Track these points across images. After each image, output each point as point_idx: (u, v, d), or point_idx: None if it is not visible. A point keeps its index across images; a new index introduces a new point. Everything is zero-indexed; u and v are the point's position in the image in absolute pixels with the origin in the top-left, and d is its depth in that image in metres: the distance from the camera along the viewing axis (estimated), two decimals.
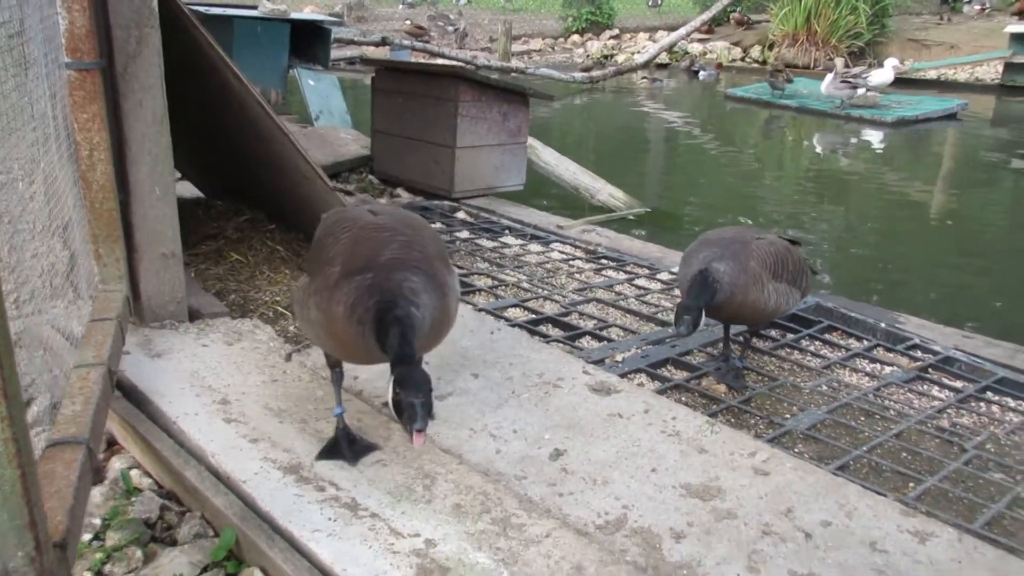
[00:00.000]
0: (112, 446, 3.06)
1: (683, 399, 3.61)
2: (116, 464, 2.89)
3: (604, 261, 5.65)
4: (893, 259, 7.77)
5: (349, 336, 2.38)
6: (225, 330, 3.63)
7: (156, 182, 3.40)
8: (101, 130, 3.10)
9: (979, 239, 8.73)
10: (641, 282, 5.24)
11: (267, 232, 4.93)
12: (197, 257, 4.57)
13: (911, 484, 3.05)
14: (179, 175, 6.55)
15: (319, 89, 10.14)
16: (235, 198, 5.36)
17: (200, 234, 4.81)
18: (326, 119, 9.94)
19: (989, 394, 3.94)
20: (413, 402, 2.09)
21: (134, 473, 2.83)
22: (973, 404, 3.83)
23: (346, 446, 2.73)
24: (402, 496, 2.51)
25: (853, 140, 14.90)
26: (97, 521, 2.52)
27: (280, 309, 4.09)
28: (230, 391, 3.08)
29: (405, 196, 7.25)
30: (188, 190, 6.01)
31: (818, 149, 14.32)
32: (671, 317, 4.55)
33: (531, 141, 7.95)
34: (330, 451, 2.72)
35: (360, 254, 2.46)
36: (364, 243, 2.50)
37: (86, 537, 2.46)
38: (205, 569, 2.36)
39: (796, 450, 3.23)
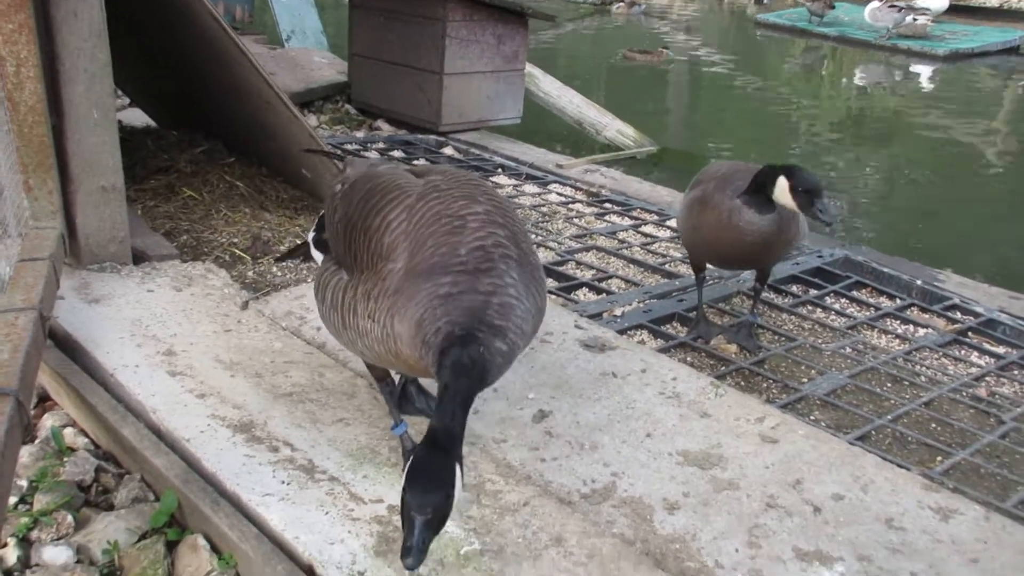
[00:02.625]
0: (44, 401, 3.07)
1: (688, 359, 3.63)
2: (48, 422, 2.91)
3: (607, 205, 5.64)
4: (938, 211, 7.76)
5: (414, 358, 2.10)
6: (174, 274, 3.63)
7: (94, 104, 3.37)
8: (29, 43, 3.06)
9: None
10: (648, 229, 5.23)
11: (225, 166, 4.91)
12: (145, 193, 4.56)
13: (939, 457, 3.08)
14: (127, 101, 6.53)
15: (291, 6, 10.03)
16: (191, 128, 5.32)
17: (149, 167, 4.79)
18: (299, 40, 9.84)
19: None
20: (414, 519, 1.75)
21: (68, 432, 2.85)
22: (1016, 372, 3.85)
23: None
24: (365, 458, 2.53)
25: (899, 75, 14.78)
26: (24, 483, 2.54)
27: (238, 252, 4.09)
28: (176, 341, 3.09)
29: (386, 129, 7.21)
30: (138, 118, 5.98)
31: (859, 84, 14.20)
32: (680, 268, 4.55)
33: (530, 68, 7.88)
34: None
35: (430, 242, 2.10)
36: (430, 223, 2.13)
37: (12, 500, 2.48)
38: (143, 536, 2.39)
39: (812, 417, 3.25)
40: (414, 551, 1.73)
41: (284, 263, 3.03)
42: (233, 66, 4.08)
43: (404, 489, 1.77)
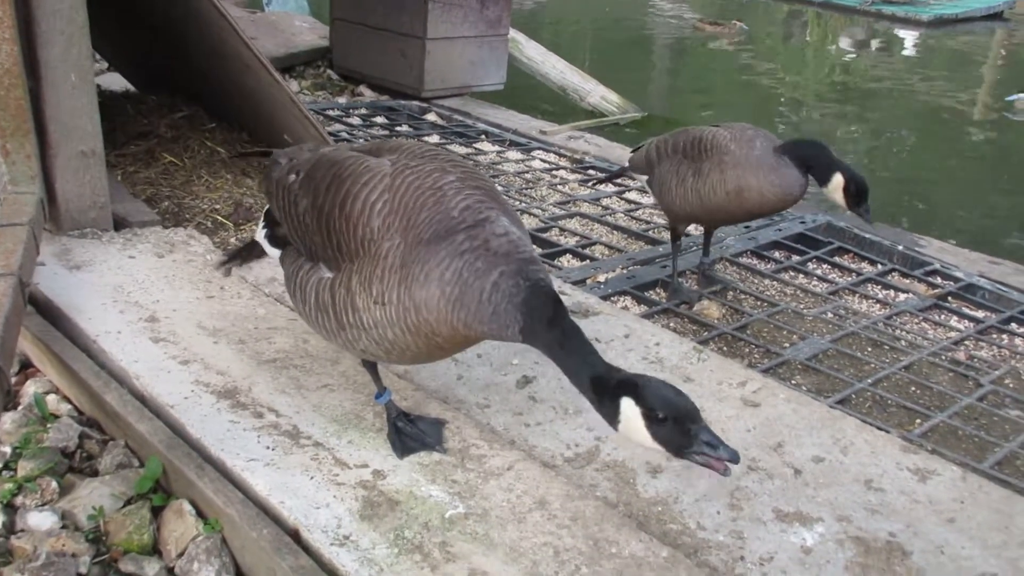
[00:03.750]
0: (26, 368, 3.06)
1: (671, 324, 3.65)
2: (31, 388, 2.90)
3: (592, 172, 5.63)
4: (921, 177, 7.79)
5: (445, 328, 2.02)
6: (156, 240, 3.61)
7: (72, 67, 3.32)
8: (4, 3, 3.01)
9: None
10: (632, 196, 5.23)
11: (206, 131, 4.86)
12: (125, 158, 4.51)
13: (918, 420, 3.12)
14: (106, 65, 6.44)
15: None
16: (172, 93, 5.26)
17: (129, 132, 4.73)
18: (279, 4, 9.73)
19: (1013, 325, 4.01)
20: (693, 428, 1.85)
21: (51, 398, 2.85)
22: (994, 336, 3.90)
23: (395, 435, 2.48)
24: (350, 424, 2.54)
25: (883, 40, 14.75)
26: (7, 449, 2.54)
27: (220, 218, 4.06)
28: (159, 308, 3.08)
29: (368, 94, 7.16)
30: (118, 83, 5.90)
31: (843, 50, 14.18)
32: (663, 235, 4.56)
33: (514, 34, 7.82)
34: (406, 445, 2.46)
35: (423, 215, 2.05)
36: (416, 197, 2.07)
37: None
38: (129, 501, 2.39)
39: (793, 381, 3.28)
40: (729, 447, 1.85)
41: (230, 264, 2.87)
42: (212, 29, 4.03)
43: (650, 411, 1.85)
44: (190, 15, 4.06)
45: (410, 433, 2.47)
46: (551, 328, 1.96)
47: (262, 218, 2.58)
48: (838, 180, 3.38)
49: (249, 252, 2.79)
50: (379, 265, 2.06)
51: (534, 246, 2.15)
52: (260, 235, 2.58)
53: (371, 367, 2.52)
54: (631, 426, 1.90)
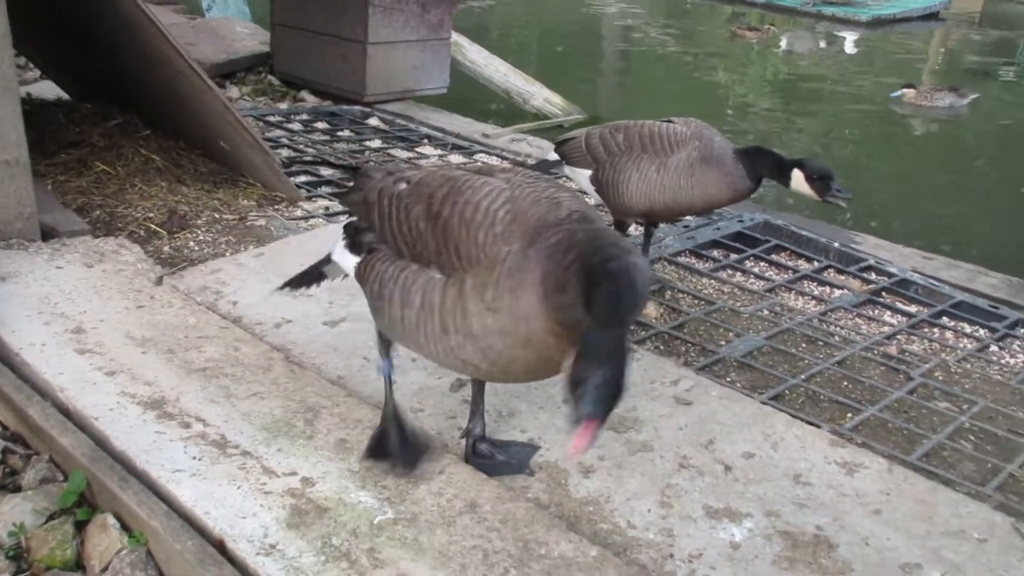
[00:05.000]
0: None
1: None
2: None
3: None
4: (862, 175, 7.92)
5: (550, 330, 1.90)
6: (85, 250, 3.55)
7: None
8: None
9: (960, 155, 8.92)
10: None
11: (141, 139, 4.80)
12: (56, 167, 4.43)
13: (849, 414, 3.16)
14: (38, 73, 6.32)
15: None
16: (106, 101, 5.18)
17: (60, 141, 4.65)
18: (220, 10, 9.62)
19: (944, 319, 4.09)
20: (587, 378, 1.71)
21: None
22: (926, 330, 3.97)
23: (397, 442, 2.41)
24: (279, 432, 2.51)
25: (824, 41, 14.99)
26: None
27: (153, 227, 4.00)
28: (86, 319, 3.03)
29: (310, 100, 7.10)
30: (49, 91, 5.80)
31: (785, 50, 14.39)
32: None
33: (456, 37, 7.82)
34: (377, 450, 2.43)
35: (533, 220, 1.99)
36: (533, 205, 2.02)
37: None
38: (52, 517, 2.35)
39: (728, 379, 3.31)
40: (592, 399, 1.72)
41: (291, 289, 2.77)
42: (143, 35, 3.97)
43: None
44: (120, 22, 4.00)
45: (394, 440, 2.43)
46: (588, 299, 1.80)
47: (342, 234, 2.46)
48: (798, 175, 3.45)
49: (315, 277, 2.67)
50: (495, 269, 1.97)
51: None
52: (339, 248, 2.46)
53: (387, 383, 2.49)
54: None
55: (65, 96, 5.66)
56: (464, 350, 2.06)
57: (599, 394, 1.71)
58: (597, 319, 1.75)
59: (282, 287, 2.69)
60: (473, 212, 2.05)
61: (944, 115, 10.00)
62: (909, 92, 10.25)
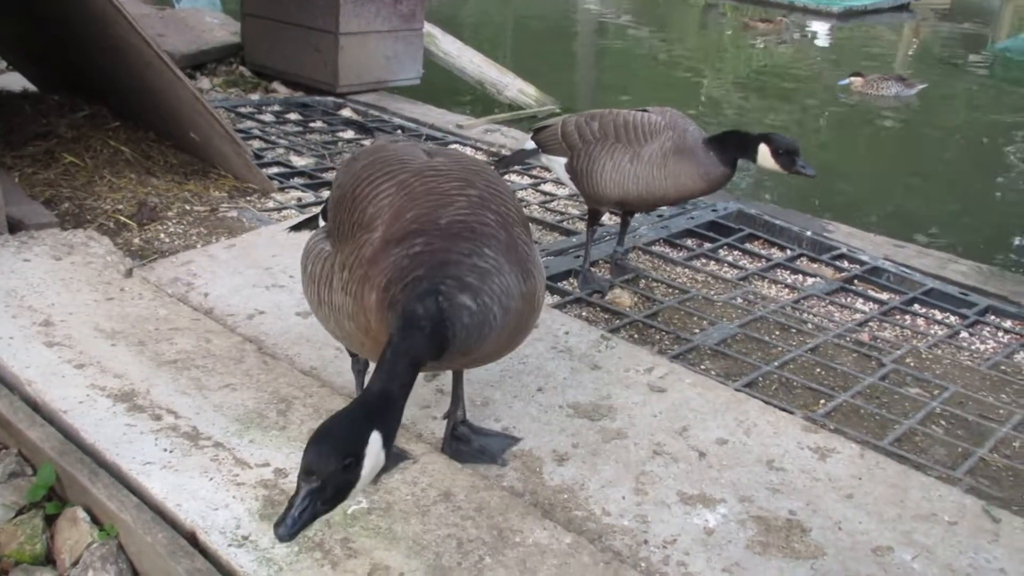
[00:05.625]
0: None
1: (583, 314, 3.67)
2: None
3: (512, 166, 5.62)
4: (835, 164, 7.97)
5: (384, 334, 1.89)
6: (53, 243, 3.50)
7: None
8: None
9: (931, 145, 9.00)
10: (547, 188, 5.25)
11: (109, 130, 4.74)
12: (23, 159, 4.37)
13: (822, 400, 3.18)
14: (6, 65, 6.23)
15: None
16: (74, 92, 5.11)
17: (27, 133, 4.59)
18: (189, 1, 9.52)
19: (916, 306, 4.12)
20: (299, 485, 1.59)
21: None
22: (897, 317, 4.00)
23: None
24: (252, 423, 2.50)
25: (797, 32, 15.06)
26: None
27: (123, 219, 3.96)
28: (54, 312, 2.99)
29: (282, 91, 7.05)
30: (16, 82, 5.71)
31: (758, 42, 14.45)
32: (577, 226, 4.58)
33: (429, 28, 7.79)
34: None
35: (410, 213, 1.99)
36: (417, 197, 2.02)
37: None
38: (21, 511, 2.32)
39: (702, 367, 3.32)
40: (287, 520, 1.54)
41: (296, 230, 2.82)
42: (111, 26, 3.92)
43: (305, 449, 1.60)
44: (88, 14, 3.95)
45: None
46: (400, 343, 1.78)
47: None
48: (763, 150, 3.46)
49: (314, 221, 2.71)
50: (354, 254, 2.00)
51: (512, 280, 1.97)
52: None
53: (355, 372, 2.49)
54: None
55: (32, 87, 5.58)
56: (329, 322, 2.16)
57: (300, 507, 1.58)
58: (379, 370, 1.75)
59: (291, 228, 2.88)
60: (363, 189, 2.09)
61: (892, 103, 10.12)
62: (856, 80, 10.34)
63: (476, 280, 1.88)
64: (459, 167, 2.16)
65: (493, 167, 5.23)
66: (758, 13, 15.98)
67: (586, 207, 3.91)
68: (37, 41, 5.16)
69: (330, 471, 1.57)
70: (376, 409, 1.67)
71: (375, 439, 1.62)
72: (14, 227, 3.57)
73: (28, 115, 4.77)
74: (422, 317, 1.79)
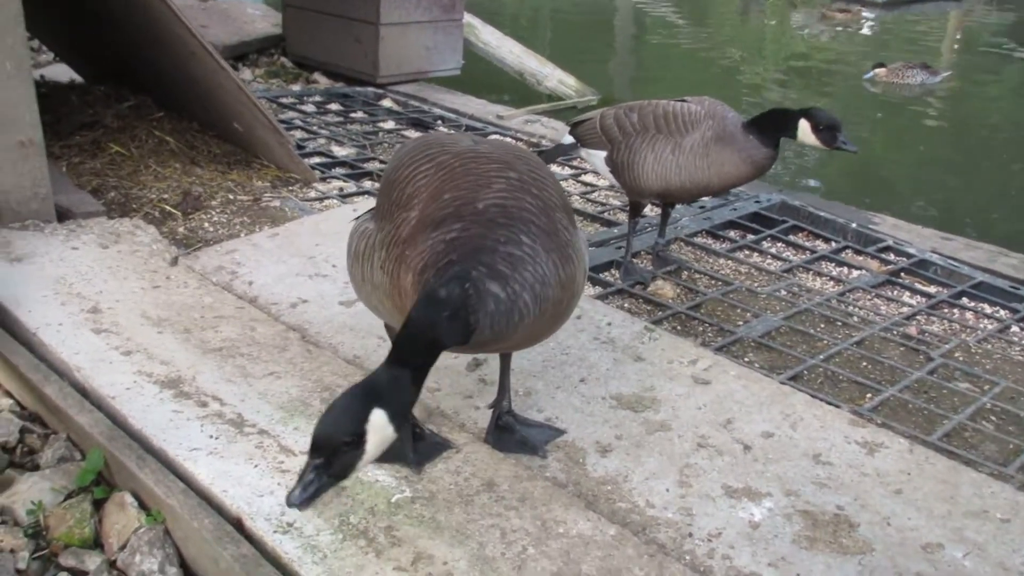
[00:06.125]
0: None
1: (625, 305, 3.65)
2: None
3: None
4: (879, 156, 7.85)
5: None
6: (100, 231, 3.54)
7: (6, 56, 3.24)
8: None
9: (979, 139, 8.82)
10: (588, 178, 5.22)
11: (154, 121, 4.79)
12: (70, 149, 4.43)
13: (868, 395, 3.14)
14: (54, 56, 6.32)
15: None
16: (119, 83, 5.17)
17: (74, 123, 4.65)
18: None
19: (964, 300, 4.04)
20: (309, 457, 1.69)
21: None
22: (945, 310, 3.93)
23: (408, 442, 2.33)
24: (296, 411, 2.51)
25: (870, 23, 14.84)
26: None
27: (168, 208, 4.00)
28: (102, 299, 3.03)
29: (323, 82, 7.08)
30: (64, 74, 5.79)
31: (800, 30, 14.26)
32: (619, 216, 4.55)
33: (469, 18, 7.77)
34: (386, 451, 2.41)
35: (448, 194, 2.00)
36: (456, 178, 2.03)
37: None
38: (70, 495, 2.35)
39: (746, 359, 3.29)
40: (297, 490, 1.66)
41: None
42: (155, 16, 3.96)
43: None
44: (133, 4, 3.98)
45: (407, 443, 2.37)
46: (414, 324, 1.81)
47: None
48: (804, 125, 3.40)
49: None
50: (392, 234, 2.03)
51: (549, 271, 1.96)
52: None
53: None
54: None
55: (79, 79, 5.65)
56: (371, 298, 2.21)
57: (308, 478, 1.69)
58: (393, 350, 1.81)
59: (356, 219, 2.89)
60: (404, 170, 2.13)
61: (918, 92, 9.97)
62: (880, 71, 10.19)
63: (508, 268, 1.88)
64: (501, 150, 2.18)
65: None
66: (831, 3, 15.79)
67: (627, 198, 3.88)
68: (83, 32, 5.22)
69: (333, 448, 1.68)
70: (380, 387, 1.73)
71: (378, 416, 1.70)
72: (62, 215, 3.62)
73: (75, 105, 4.84)
74: (443, 302, 1.80)
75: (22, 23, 3.27)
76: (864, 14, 14.93)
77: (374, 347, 2.92)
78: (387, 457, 2.26)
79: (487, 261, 1.87)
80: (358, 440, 1.70)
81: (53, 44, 6.18)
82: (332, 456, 1.68)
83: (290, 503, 1.67)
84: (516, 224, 1.94)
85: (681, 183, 3.53)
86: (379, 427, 1.71)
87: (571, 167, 5.39)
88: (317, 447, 1.68)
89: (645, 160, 3.54)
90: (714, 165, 3.48)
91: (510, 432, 2.48)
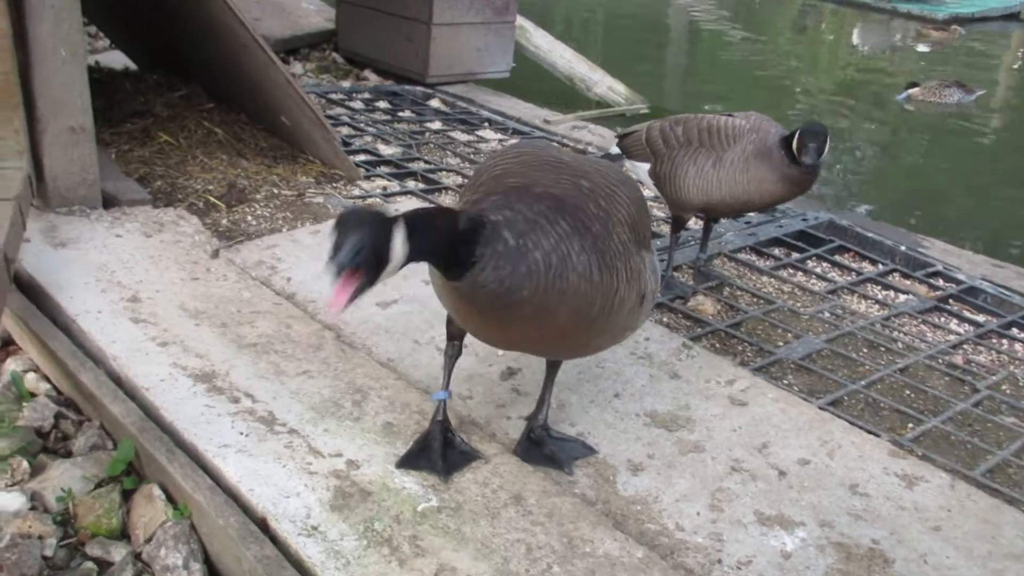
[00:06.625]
0: (8, 346, 3.03)
1: (664, 319, 3.60)
2: (11, 366, 2.87)
3: None
4: (932, 179, 7.70)
5: (448, 290, 1.98)
6: (144, 220, 3.57)
7: (61, 42, 3.27)
8: None
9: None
10: None
11: (204, 111, 4.82)
12: (120, 136, 4.47)
13: (910, 424, 3.06)
14: (109, 43, 6.41)
15: None
16: (172, 71, 5.22)
17: (125, 110, 4.69)
18: None
19: (1014, 330, 3.94)
20: (339, 239, 1.72)
21: (31, 377, 2.81)
22: (994, 340, 3.83)
23: (439, 449, 2.32)
24: (327, 412, 2.50)
25: (898, 38, 14.60)
26: None
27: (212, 199, 4.02)
28: (142, 288, 3.04)
29: (373, 79, 7.10)
30: (119, 60, 5.86)
31: (857, 47, 14.06)
32: (662, 228, 4.50)
33: (521, 21, 7.75)
34: (415, 456, 2.33)
35: (512, 180, 2.04)
36: (528, 173, 2.07)
37: None
38: (100, 484, 2.36)
39: (785, 381, 3.22)
40: (343, 252, 1.69)
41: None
42: (209, 7, 3.98)
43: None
44: None
45: (436, 448, 2.35)
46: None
47: None
48: (795, 141, 3.33)
49: None
50: (463, 198, 2.12)
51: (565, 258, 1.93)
52: None
53: (447, 357, 2.45)
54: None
55: (133, 66, 5.71)
56: (436, 284, 2.20)
57: (347, 249, 1.70)
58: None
59: None
60: (488, 167, 2.18)
61: (953, 111, 9.78)
62: (915, 91, 10.00)
63: (528, 228, 1.88)
64: (588, 163, 2.21)
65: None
66: (847, 15, 15.57)
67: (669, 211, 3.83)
68: (138, 20, 5.28)
69: (361, 239, 1.70)
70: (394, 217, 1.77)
71: (400, 230, 1.74)
72: (108, 202, 3.65)
73: (128, 93, 4.88)
74: (460, 222, 1.85)
75: (78, 10, 3.30)
76: (960, 32, 14.68)
77: (408, 350, 2.90)
78: (417, 463, 2.28)
79: (508, 216, 1.89)
80: (387, 237, 1.72)
81: (109, 31, 6.26)
82: (364, 238, 1.69)
83: (336, 264, 1.69)
84: (563, 214, 1.94)
85: (722, 197, 3.48)
86: (400, 238, 1.74)
87: None
88: (343, 235, 1.70)
89: (687, 173, 3.50)
90: (753, 181, 3.41)
91: (540, 446, 2.45)
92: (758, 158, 3.40)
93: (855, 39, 14.60)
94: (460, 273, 1.86)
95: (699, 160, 3.48)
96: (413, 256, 1.78)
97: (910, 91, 10.04)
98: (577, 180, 2.07)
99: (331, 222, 1.78)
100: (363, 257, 1.69)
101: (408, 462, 2.32)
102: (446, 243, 1.84)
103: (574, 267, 1.92)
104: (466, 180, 2.20)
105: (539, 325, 1.97)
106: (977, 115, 9.98)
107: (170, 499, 2.27)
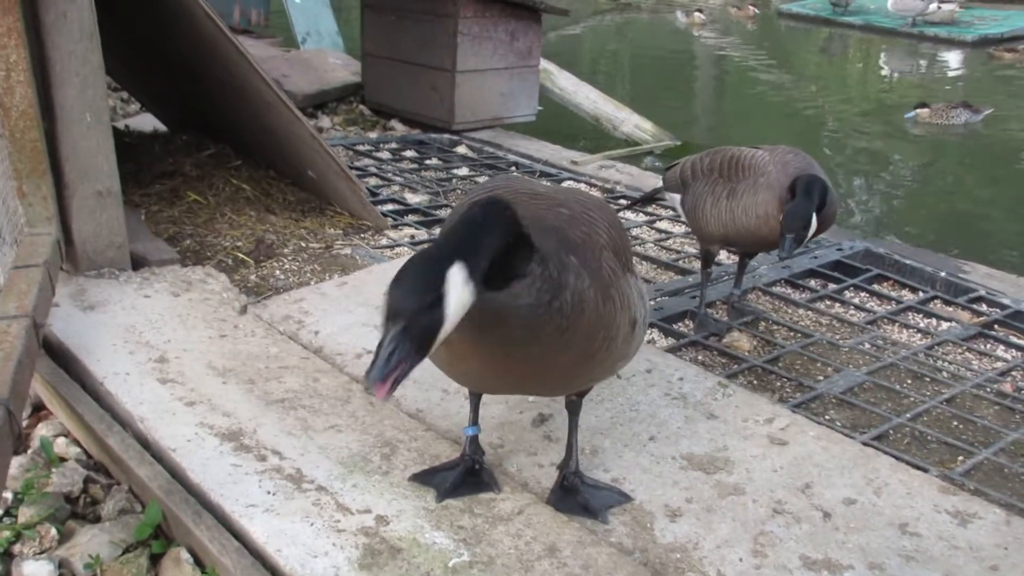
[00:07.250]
0: (40, 411, 3.03)
1: (699, 357, 3.52)
2: (42, 431, 2.86)
3: (623, 201, 5.52)
4: (968, 204, 7.56)
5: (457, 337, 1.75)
6: (173, 279, 3.58)
7: (87, 107, 3.31)
8: (19, 47, 3.02)
9: None
10: (663, 225, 5.12)
11: (231, 169, 4.86)
12: (149, 197, 4.51)
13: (960, 457, 2.94)
14: (140, 106, 6.52)
15: (306, 8, 10.00)
16: (200, 131, 5.28)
17: (154, 172, 4.74)
18: (314, 42, 9.82)
19: None
20: (386, 328, 1.54)
21: (61, 442, 2.80)
22: None
23: (452, 477, 2.35)
24: (355, 467, 2.45)
25: (926, 63, 14.49)
26: (9, 495, 2.49)
27: (241, 256, 4.03)
28: (170, 348, 3.03)
29: (400, 128, 7.15)
30: (148, 123, 5.95)
31: (885, 74, 13.95)
32: (694, 265, 4.43)
33: (545, 64, 7.78)
34: (429, 474, 2.41)
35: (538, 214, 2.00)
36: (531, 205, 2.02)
37: None
38: (128, 549, 2.33)
39: (826, 417, 3.13)
40: (377, 364, 1.50)
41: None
42: (233, 67, 4.02)
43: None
44: (215, 56, 4.06)
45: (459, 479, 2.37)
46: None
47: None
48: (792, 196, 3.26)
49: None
50: None
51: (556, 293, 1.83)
52: None
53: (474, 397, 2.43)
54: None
55: (162, 128, 5.80)
56: None
57: (387, 353, 1.52)
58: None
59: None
60: (464, 204, 2.09)
61: (961, 131, 9.67)
62: (923, 112, 9.93)
63: (559, 264, 1.83)
64: (562, 193, 2.18)
65: (627, 204, 5.17)
66: (873, 40, 15.49)
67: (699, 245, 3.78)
68: (166, 83, 5.36)
69: (413, 310, 1.52)
70: (455, 239, 1.62)
71: (456, 271, 1.56)
72: (137, 263, 3.67)
73: (156, 154, 4.95)
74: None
75: (102, 76, 3.34)
76: None
77: (437, 400, 2.85)
78: (426, 479, 2.38)
79: (545, 250, 1.82)
80: (438, 301, 1.54)
81: (139, 94, 6.37)
82: (411, 321, 1.52)
83: (371, 379, 1.50)
84: (570, 249, 1.90)
85: (736, 230, 3.42)
86: (458, 284, 1.56)
87: (645, 214, 5.29)
88: (393, 312, 1.53)
89: (705, 204, 3.46)
90: (762, 216, 3.33)
91: (574, 494, 2.38)
92: (767, 191, 3.33)
93: (882, 65, 14.50)
94: (501, 285, 1.71)
95: (716, 190, 3.43)
96: (480, 287, 1.63)
97: (918, 111, 9.99)
98: (558, 210, 2.04)
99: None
100: (401, 355, 1.53)
101: (420, 476, 2.39)
102: (505, 243, 1.69)
103: (588, 302, 1.87)
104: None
105: (548, 360, 1.89)
106: (1015, 137, 9.82)
107: (198, 562, 2.23)
